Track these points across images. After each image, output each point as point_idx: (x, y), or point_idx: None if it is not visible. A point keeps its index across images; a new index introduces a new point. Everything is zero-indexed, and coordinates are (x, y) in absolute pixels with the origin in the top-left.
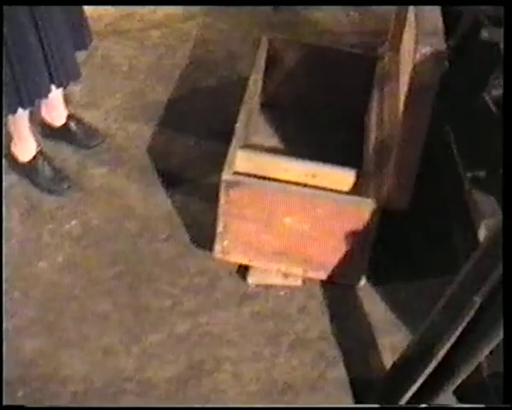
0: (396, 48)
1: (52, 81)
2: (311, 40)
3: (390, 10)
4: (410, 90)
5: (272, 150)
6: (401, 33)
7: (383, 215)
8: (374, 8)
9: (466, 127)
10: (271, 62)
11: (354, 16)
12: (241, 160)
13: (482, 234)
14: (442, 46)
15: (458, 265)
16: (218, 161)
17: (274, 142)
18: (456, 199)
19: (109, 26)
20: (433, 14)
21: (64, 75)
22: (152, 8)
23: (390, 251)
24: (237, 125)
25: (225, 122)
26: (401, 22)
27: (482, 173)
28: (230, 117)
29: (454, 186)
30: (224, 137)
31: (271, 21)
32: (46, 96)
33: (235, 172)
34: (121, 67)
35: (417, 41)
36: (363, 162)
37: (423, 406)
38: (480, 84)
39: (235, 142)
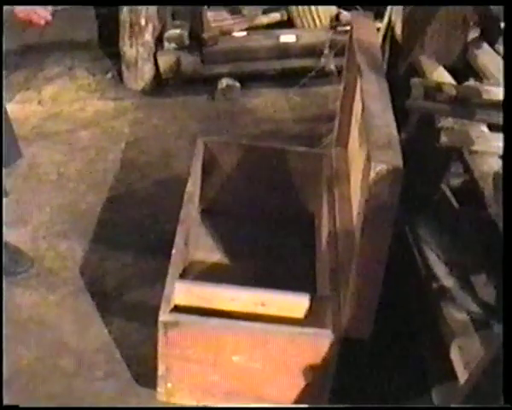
0: (343, 142)
1: None
2: (250, 131)
3: (332, 92)
4: (366, 213)
5: (217, 266)
6: (348, 125)
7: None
8: (315, 89)
9: (426, 228)
10: (209, 166)
11: (295, 101)
12: (180, 293)
13: (454, 355)
14: (399, 161)
15: (428, 386)
16: (158, 279)
17: (218, 256)
18: (423, 314)
19: (36, 129)
20: (386, 118)
21: None
22: (78, 105)
23: (355, 377)
24: (173, 251)
25: (163, 233)
26: (347, 113)
27: (450, 283)
28: (168, 227)
29: (419, 299)
30: (163, 250)
31: (207, 112)
32: None
33: (176, 307)
34: (49, 175)
35: (370, 156)
36: (317, 281)
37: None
38: (437, 178)
39: (172, 271)
